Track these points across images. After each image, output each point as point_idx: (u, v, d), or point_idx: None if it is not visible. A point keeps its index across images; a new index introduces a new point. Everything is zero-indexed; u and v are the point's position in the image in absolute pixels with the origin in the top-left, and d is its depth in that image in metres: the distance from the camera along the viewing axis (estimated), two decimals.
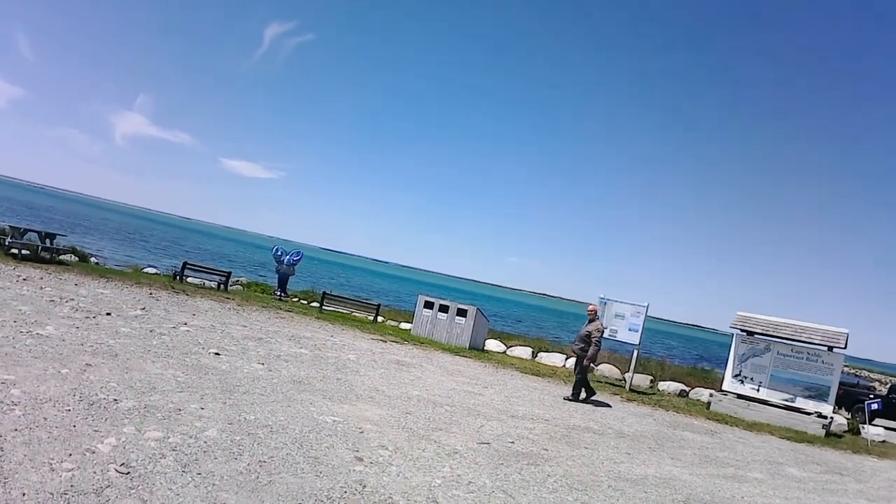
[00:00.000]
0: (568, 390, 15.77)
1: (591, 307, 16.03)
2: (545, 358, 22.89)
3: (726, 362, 20.00)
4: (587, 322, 15.59)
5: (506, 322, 49.65)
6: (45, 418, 6.26)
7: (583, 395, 15.25)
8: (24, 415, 6.23)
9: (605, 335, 18.44)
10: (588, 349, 14.94)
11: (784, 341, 18.84)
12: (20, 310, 11.72)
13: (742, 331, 19.58)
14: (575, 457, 9.49)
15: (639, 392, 19.32)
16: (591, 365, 15.19)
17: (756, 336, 19.40)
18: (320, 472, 6.44)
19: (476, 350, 21.88)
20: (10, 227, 21.80)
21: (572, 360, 19.89)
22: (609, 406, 15.48)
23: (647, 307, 19.78)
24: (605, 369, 22.15)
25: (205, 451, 6.33)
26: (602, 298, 20.45)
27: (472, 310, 22.14)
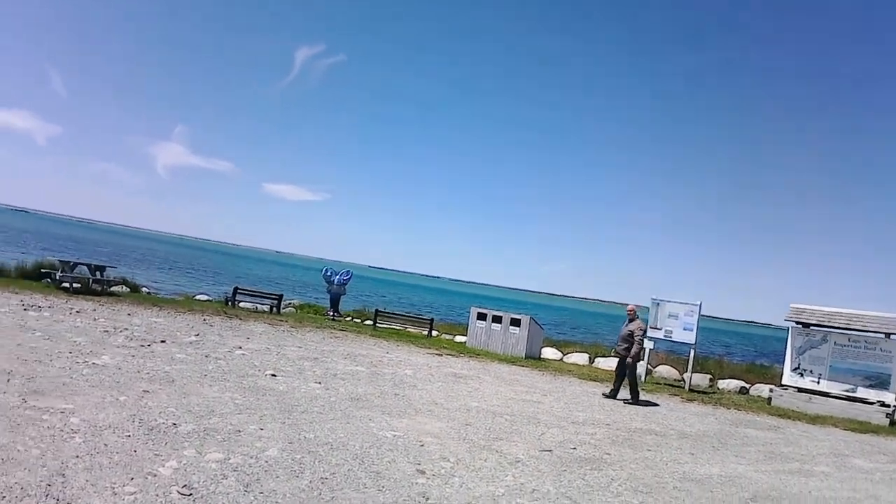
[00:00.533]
0: (624, 393, 15.77)
1: (629, 307, 16.19)
2: (602, 363, 22.97)
3: (784, 356, 19.76)
4: (627, 322, 15.82)
5: (561, 330, 49.42)
6: (105, 444, 6.49)
7: (623, 394, 15.48)
8: (84, 442, 6.47)
9: (661, 336, 19.31)
10: (631, 349, 15.20)
11: (840, 331, 18.59)
12: (75, 341, 12.13)
13: (797, 323, 19.37)
14: (638, 459, 9.49)
15: (698, 392, 19.30)
16: (633, 361, 15.36)
17: (812, 328, 19.15)
18: (382, 487, 6.53)
19: (533, 359, 22.11)
20: (59, 261, 22.53)
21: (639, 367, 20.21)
22: (657, 405, 15.58)
23: (700, 305, 19.77)
24: (664, 371, 22.18)
25: (266, 471, 6.48)
26: (654, 299, 20.61)
27: (525, 319, 22.41)
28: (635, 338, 15.24)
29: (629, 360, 15.25)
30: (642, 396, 15.54)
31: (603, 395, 15.66)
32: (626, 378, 15.44)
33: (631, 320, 15.73)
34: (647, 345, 19.75)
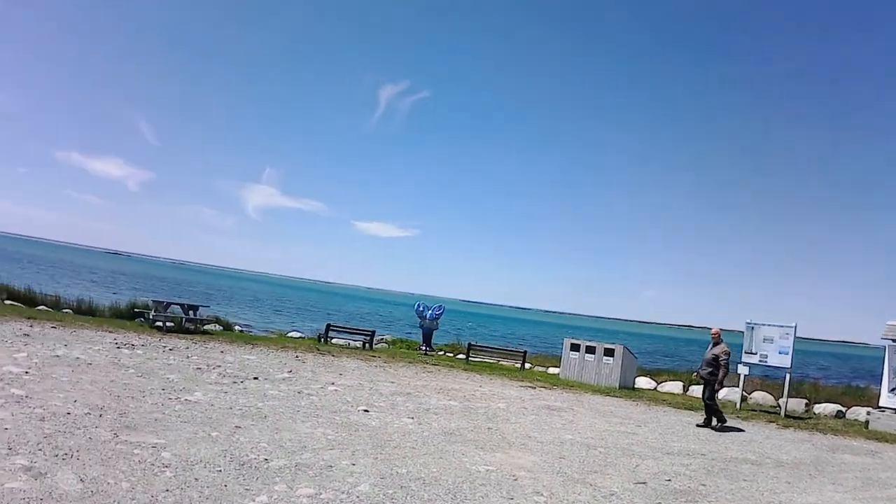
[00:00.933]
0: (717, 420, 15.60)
1: (714, 330, 15.99)
2: (697, 391, 22.28)
3: (881, 377, 18.86)
4: (712, 345, 15.75)
5: (653, 358, 48.42)
6: (196, 479, 6.57)
7: (714, 422, 15.25)
8: (174, 476, 6.56)
9: (756, 360, 19.03)
10: (716, 373, 15.14)
11: None
12: (168, 378, 12.43)
13: (894, 341, 18.43)
14: (734, 490, 9.27)
15: (794, 417, 18.68)
16: (719, 387, 15.33)
17: None
18: None
19: (626, 389, 21.85)
20: (153, 301, 23.33)
21: (724, 391, 20.20)
22: (742, 430, 15.42)
23: (795, 328, 19.16)
24: (759, 396, 21.60)
25: None
26: (749, 323, 20.16)
27: (619, 349, 22.26)
28: (720, 362, 15.16)
29: (716, 385, 15.18)
30: (728, 423, 15.42)
31: (697, 425, 15.34)
32: (712, 402, 15.38)
33: (715, 344, 15.65)
34: (742, 370, 19.58)
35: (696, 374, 17.10)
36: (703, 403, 15.89)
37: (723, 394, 21.31)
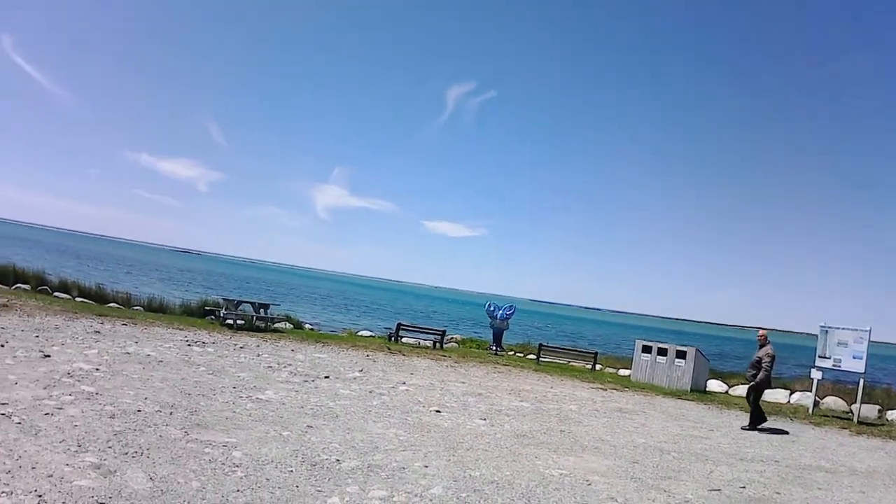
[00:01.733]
0: (793, 427, 15.81)
1: (760, 332, 15.98)
2: (768, 395, 21.75)
3: None
4: (758, 348, 15.74)
5: (725, 360, 47.42)
6: (267, 479, 6.52)
7: (760, 423, 15.18)
8: (245, 476, 6.52)
9: (829, 365, 19.16)
10: (759, 374, 15.22)
11: None
12: (239, 376, 12.51)
13: None
14: (808, 499, 9.04)
15: (867, 424, 18.05)
16: (759, 388, 15.34)
17: None
18: None
19: (698, 392, 21.59)
20: (224, 299, 23.62)
21: (796, 396, 21.37)
22: (787, 433, 15.20)
23: (870, 332, 18.51)
24: (831, 402, 20.95)
25: None
26: (823, 326, 19.67)
27: (691, 351, 21.98)
28: (763, 364, 15.19)
29: (756, 386, 15.26)
30: (775, 425, 15.40)
31: (742, 427, 15.13)
32: (755, 402, 15.31)
33: (761, 346, 15.66)
34: (815, 375, 19.26)
35: (745, 377, 17.16)
36: (778, 408, 15.57)
37: (795, 398, 21.27)
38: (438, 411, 11.83)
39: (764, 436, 14.27)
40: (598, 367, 25.27)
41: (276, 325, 24.21)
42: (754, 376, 15.34)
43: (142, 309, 23.46)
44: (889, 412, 19.88)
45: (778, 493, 9.09)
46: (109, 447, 6.76)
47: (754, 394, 15.31)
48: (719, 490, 8.82)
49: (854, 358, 18.69)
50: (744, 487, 9.18)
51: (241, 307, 23.31)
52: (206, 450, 7.24)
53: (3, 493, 5.18)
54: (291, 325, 25.61)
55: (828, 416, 18.81)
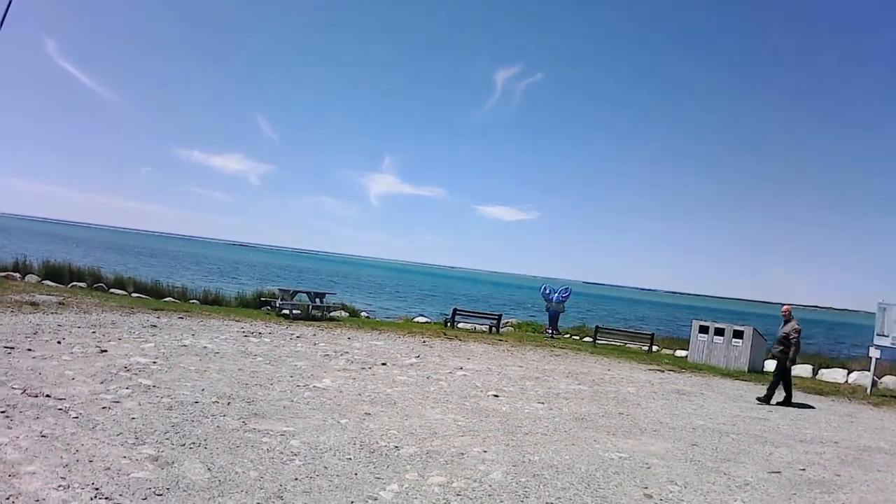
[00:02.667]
0: (851, 407, 15.86)
1: (784, 307, 15.92)
2: (826, 374, 21.77)
3: None
4: (783, 323, 15.60)
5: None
6: (325, 467, 6.48)
7: (781, 396, 15.13)
8: (304, 464, 6.49)
9: (888, 343, 18.70)
10: (787, 351, 15.08)
11: None
12: (296, 365, 12.55)
13: None
14: (869, 481, 8.77)
15: None
16: (790, 364, 15.22)
17: None
18: None
19: (755, 372, 21.25)
20: (279, 289, 23.83)
21: (854, 375, 21.03)
22: (813, 408, 15.12)
23: None
24: (890, 381, 20.40)
25: (490, 495, 6.23)
26: (881, 304, 19.11)
27: (748, 330, 21.71)
28: (791, 339, 15.06)
29: (788, 363, 15.11)
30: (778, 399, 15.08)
31: (757, 399, 15.16)
32: (781, 379, 15.26)
33: (786, 321, 15.53)
34: (874, 353, 18.78)
35: (769, 353, 16.50)
36: (836, 387, 15.23)
37: (853, 378, 20.88)
38: (496, 396, 11.74)
39: (822, 416, 14.02)
40: (654, 348, 25.09)
41: (332, 313, 24.33)
42: (782, 352, 15.22)
43: (198, 302, 23.75)
44: None
45: (838, 476, 8.89)
46: (167, 439, 6.78)
47: (782, 369, 15.23)
48: (779, 472, 8.65)
49: None
50: (803, 469, 8.99)
51: (296, 297, 23.47)
52: (264, 439, 7.23)
53: (60, 486, 5.20)
54: (347, 314, 25.75)
55: (886, 396, 18.36)
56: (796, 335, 15.06)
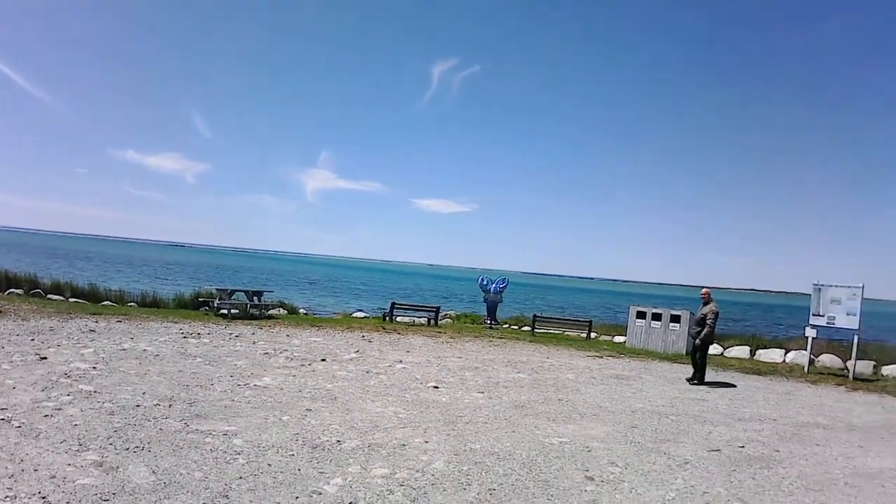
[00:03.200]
0: (789, 385, 16.45)
1: (703, 290, 16.47)
2: (763, 355, 22.31)
3: None
4: (702, 305, 16.14)
5: (720, 323, 47.80)
6: (268, 464, 6.56)
7: (697, 378, 15.64)
8: (247, 463, 6.56)
9: (823, 323, 19.30)
10: (703, 331, 15.56)
11: None
12: (236, 364, 12.54)
13: None
14: (807, 455, 9.14)
15: (863, 380, 18.25)
16: (703, 343, 15.65)
17: None
18: (552, 496, 6.34)
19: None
20: (217, 289, 23.63)
21: (791, 355, 21.54)
22: (734, 386, 15.67)
23: (863, 288, 18.59)
24: (826, 359, 21.12)
25: (433, 484, 6.38)
26: (816, 284, 19.68)
27: (685, 314, 22.09)
28: (707, 321, 15.55)
29: (698, 341, 15.62)
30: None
31: (686, 379, 15.73)
32: (702, 360, 15.78)
33: (705, 303, 16.01)
34: (810, 333, 19.40)
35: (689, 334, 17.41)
36: (773, 366, 15.68)
37: (790, 357, 21.41)
38: (436, 387, 11.90)
39: (760, 395, 14.43)
40: (593, 335, 25.33)
41: (271, 311, 24.22)
42: (699, 333, 15.65)
43: (136, 305, 23.41)
44: (885, 368, 20.04)
45: (777, 451, 9.20)
46: (110, 444, 6.79)
47: (700, 349, 15.66)
48: (719, 450, 8.93)
49: (848, 315, 18.76)
50: (743, 447, 9.29)
51: (234, 296, 23.31)
52: (207, 440, 7.27)
53: (6, 497, 5.20)
54: (286, 311, 25.66)
55: (823, 374, 18.97)
56: (713, 317, 15.55)
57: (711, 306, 15.74)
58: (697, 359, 15.72)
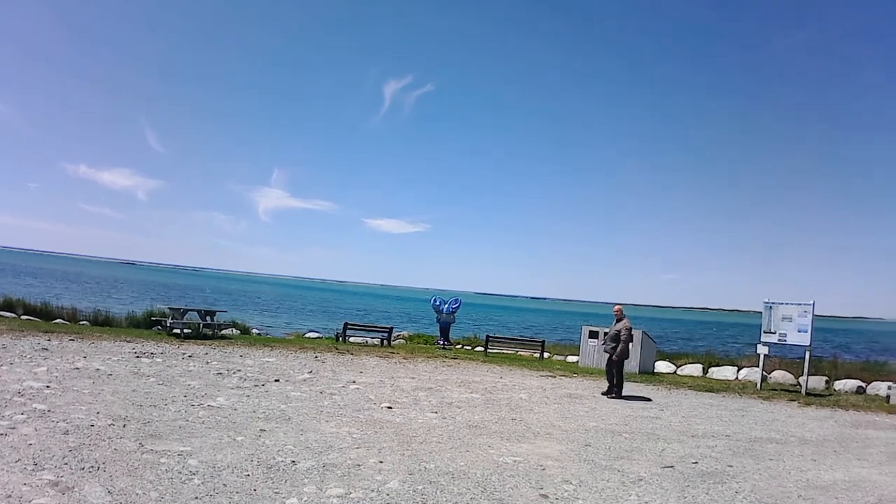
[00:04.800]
0: (742, 402, 16.65)
1: (616, 307, 17.07)
2: (716, 372, 22.77)
3: None
4: (615, 322, 16.67)
5: (672, 342, 48.46)
6: (224, 485, 6.52)
7: (614, 392, 16.14)
8: (202, 483, 6.51)
9: (775, 340, 19.74)
10: (618, 347, 16.05)
11: None
12: (189, 385, 12.41)
13: None
14: (761, 470, 9.31)
15: (815, 395, 18.71)
16: (618, 359, 16.14)
17: None
18: None
19: (646, 374, 22.03)
20: (170, 308, 23.31)
21: (744, 372, 22.06)
22: (650, 400, 16.11)
23: (813, 305, 19.02)
24: (779, 375, 21.67)
25: None
26: (767, 302, 20.13)
27: (637, 334, 22.12)
28: (621, 337, 16.06)
29: (614, 357, 16.04)
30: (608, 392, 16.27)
31: (602, 393, 16.20)
32: (619, 374, 16.27)
33: (618, 320, 16.56)
34: (761, 350, 19.82)
35: (604, 350, 17.76)
36: (725, 384, 15.99)
37: (743, 374, 21.84)
38: (390, 407, 11.90)
39: (713, 412, 14.67)
40: (546, 355, 25.49)
41: (224, 331, 23.99)
42: (614, 349, 16.05)
43: (88, 323, 23.07)
44: (836, 382, 20.52)
45: (730, 466, 9.35)
46: (65, 463, 6.69)
47: (616, 365, 16.07)
48: (672, 467, 9.04)
49: (799, 331, 19.18)
50: (696, 463, 9.43)
51: (187, 315, 23.03)
52: (162, 460, 7.20)
53: None
54: (238, 331, 25.47)
55: (776, 390, 19.40)
56: (626, 333, 16.05)
57: (624, 322, 16.22)
58: (614, 373, 16.11)
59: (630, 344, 16.52)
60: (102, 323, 23.43)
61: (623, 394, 16.01)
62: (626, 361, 21.49)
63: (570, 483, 7.72)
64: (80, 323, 22.97)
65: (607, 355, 16.22)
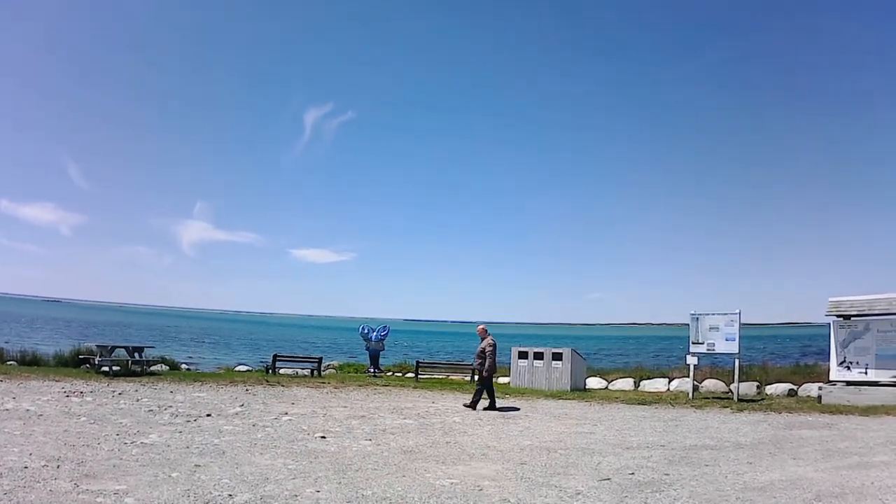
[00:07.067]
0: (675, 412, 16.93)
1: (479, 327, 18.11)
2: (648, 385, 23.17)
3: (829, 352, 19.62)
4: (481, 340, 17.48)
5: (603, 358, 49.20)
6: None
7: (486, 403, 16.98)
8: None
9: (704, 350, 20.29)
10: (485, 362, 16.87)
11: (882, 317, 18.42)
12: (121, 422, 12.14)
13: (838, 316, 19.27)
14: (697, 476, 9.44)
15: (747, 400, 19.18)
16: (488, 374, 17.00)
17: (853, 318, 19.03)
18: None
19: (578, 391, 22.23)
20: (97, 346, 22.78)
21: (675, 383, 22.44)
22: (518, 409, 16.96)
23: (740, 314, 19.62)
24: (710, 384, 22.18)
25: None
26: (693, 314, 20.61)
27: (567, 352, 22.60)
28: (486, 353, 16.90)
29: (484, 373, 16.91)
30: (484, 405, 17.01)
31: (464, 405, 17.12)
32: (483, 386, 17.07)
33: (483, 339, 17.44)
34: (691, 360, 20.29)
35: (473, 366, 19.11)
36: (657, 396, 16.40)
37: (674, 385, 22.24)
38: (323, 437, 11.83)
39: (647, 424, 14.91)
40: (476, 377, 25.38)
41: (153, 367, 23.51)
42: (481, 364, 17.02)
43: (15, 363, 22.32)
44: (768, 387, 21.09)
45: (667, 475, 9.47)
46: None
47: (486, 379, 16.91)
48: (609, 479, 9.11)
49: (727, 340, 19.72)
50: (633, 473, 9.52)
51: (115, 352, 22.51)
52: (98, 499, 7.05)
53: None
54: (167, 367, 24.93)
55: (708, 399, 19.79)
56: (491, 348, 16.96)
57: (488, 340, 17.12)
58: (478, 384, 17.13)
59: (496, 358, 17.29)
60: (30, 363, 22.71)
61: (501, 407, 16.88)
62: (557, 380, 21.82)
63: (509, 501, 7.76)
64: (8, 363, 22.21)
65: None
